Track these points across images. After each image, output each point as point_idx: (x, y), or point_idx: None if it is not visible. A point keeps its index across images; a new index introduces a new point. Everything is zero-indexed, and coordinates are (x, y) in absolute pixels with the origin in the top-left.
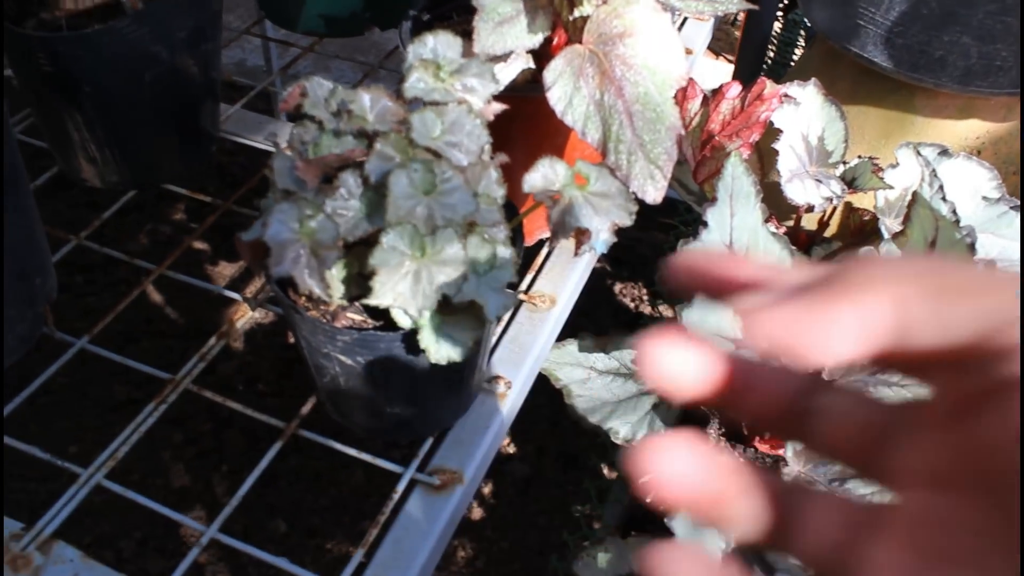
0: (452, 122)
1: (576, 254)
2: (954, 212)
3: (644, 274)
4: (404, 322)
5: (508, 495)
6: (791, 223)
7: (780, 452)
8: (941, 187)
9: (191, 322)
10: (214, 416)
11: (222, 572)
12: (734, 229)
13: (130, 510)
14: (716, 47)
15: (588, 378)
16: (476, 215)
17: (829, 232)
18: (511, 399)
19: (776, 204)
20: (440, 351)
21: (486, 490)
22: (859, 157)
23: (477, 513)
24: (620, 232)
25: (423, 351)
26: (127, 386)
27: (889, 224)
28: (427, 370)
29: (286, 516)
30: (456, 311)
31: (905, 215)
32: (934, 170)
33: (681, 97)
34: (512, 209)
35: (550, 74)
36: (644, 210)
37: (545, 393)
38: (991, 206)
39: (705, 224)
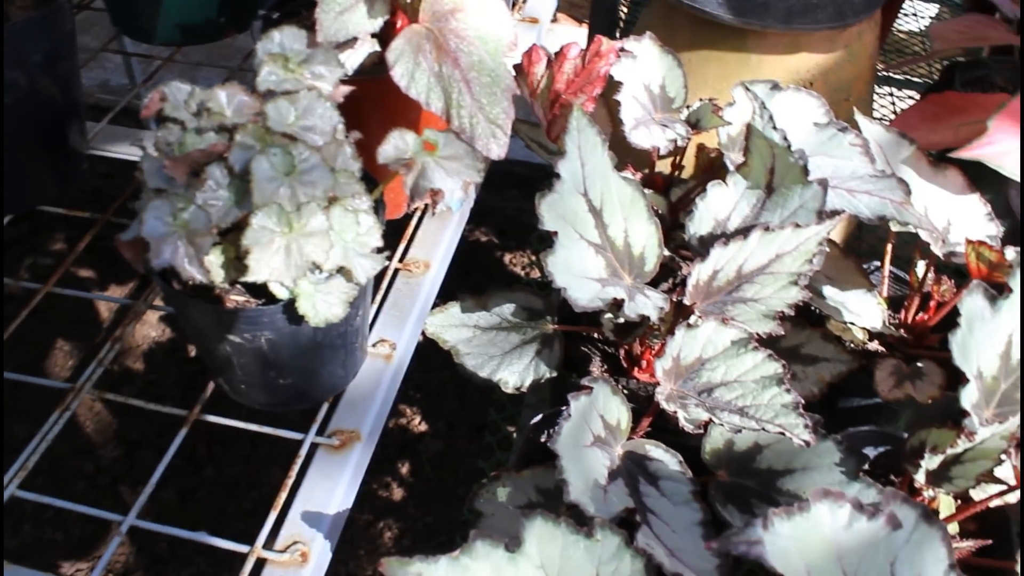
0: (305, 108)
1: (432, 213)
2: (785, 138)
3: (530, 242)
4: (282, 294)
5: (425, 472)
6: (649, 169)
7: (655, 379)
8: (771, 117)
9: (85, 334)
10: (123, 439)
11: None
12: (587, 178)
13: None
14: (579, 15)
15: (473, 336)
16: (336, 189)
17: (686, 173)
18: (397, 359)
19: (637, 154)
20: (318, 315)
21: (404, 470)
22: (700, 100)
23: (398, 493)
24: (505, 204)
25: (303, 318)
26: (33, 400)
27: (733, 157)
28: (312, 338)
29: (209, 526)
30: (329, 277)
31: (744, 147)
32: (763, 103)
33: (527, 63)
34: (376, 182)
35: (392, 54)
36: (527, 181)
37: (449, 369)
38: (822, 130)
39: (558, 176)
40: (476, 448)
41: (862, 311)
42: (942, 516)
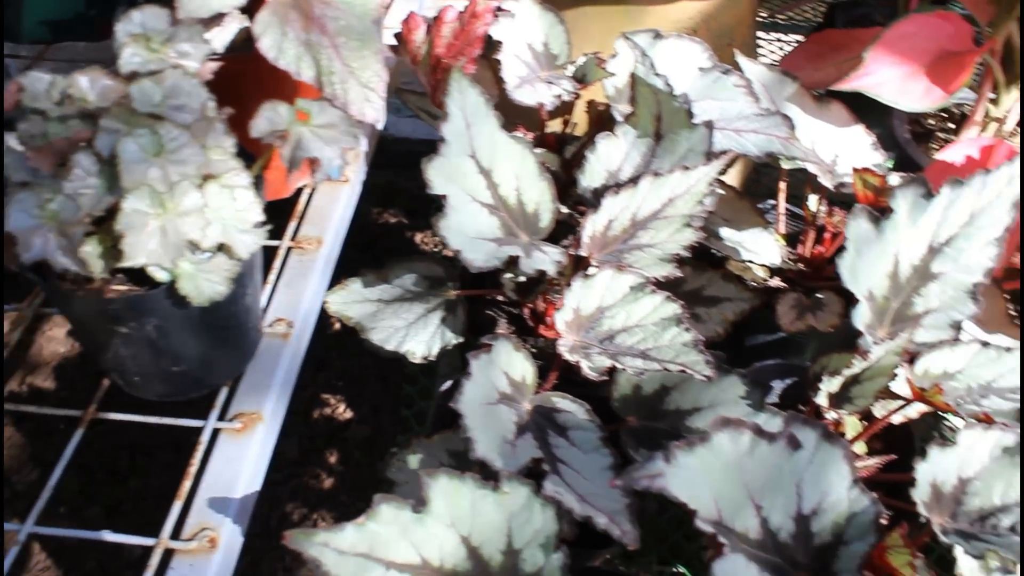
0: (171, 87)
1: (313, 182)
2: (668, 84)
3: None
4: (162, 277)
5: (354, 458)
6: (540, 128)
7: (559, 336)
8: (652, 65)
9: None
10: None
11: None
12: (473, 139)
13: None
14: None
15: (377, 310)
16: (210, 166)
17: (580, 130)
18: (295, 337)
19: (528, 114)
20: (201, 295)
21: (333, 459)
22: (585, 55)
23: (328, 482)
24: (412, 184)
25: (187, 300)
26: None
27: (621, 108)
28: (200, 320)
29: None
30: (211, 256)
31: (631, 97)
32: (643, 51)
33: (406, 30)
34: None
35: (258, 26)
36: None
37: (369, 355)
38: (706, 75)
39: (443, 139)
40: (401, 429)
41: (760, 249)
42: (849, 436)
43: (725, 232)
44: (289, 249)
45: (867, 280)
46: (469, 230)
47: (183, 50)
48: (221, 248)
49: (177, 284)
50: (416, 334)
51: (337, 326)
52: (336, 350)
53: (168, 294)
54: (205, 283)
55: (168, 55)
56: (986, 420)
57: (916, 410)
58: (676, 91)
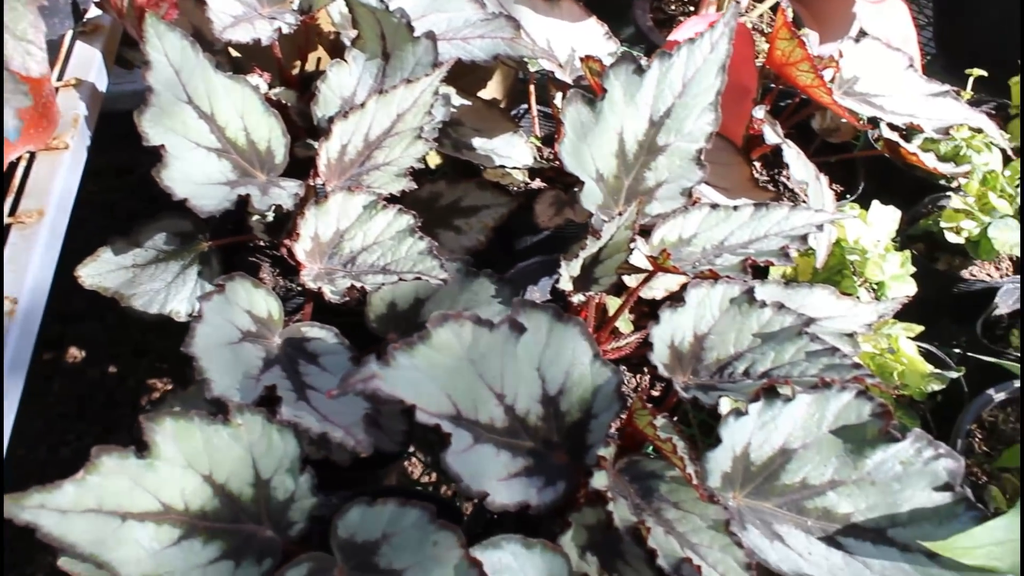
0: None
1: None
2: (381, 1)
3: None
4: None
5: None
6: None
7: (303, 267)
8: None
9: None
10: None
11: None
12: (186, 84)
13: None
14: None
15: (134, 276)
16: None
17: (312, 66)
18: (22, 313)
19: (263, 55)
20: None
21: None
22: None
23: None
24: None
25: None
26: None
27: (350, 34)
28: None
29: None
30: None
31: (352, 21)
32: None
33: None
34: None
35: None
36: None
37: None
38: None
39: (151, 88)
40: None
41: (512, 153)
42: (611, 314)
43: (477, 142)
44: (9, 225)
45: (593, 162)
46: (198, 177)
47: None
48: None
49: None
50: (177, 292)
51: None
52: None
53: None
54: None
55: None
56: (712, 276)
57: (663, 285)
58: (392, 6)
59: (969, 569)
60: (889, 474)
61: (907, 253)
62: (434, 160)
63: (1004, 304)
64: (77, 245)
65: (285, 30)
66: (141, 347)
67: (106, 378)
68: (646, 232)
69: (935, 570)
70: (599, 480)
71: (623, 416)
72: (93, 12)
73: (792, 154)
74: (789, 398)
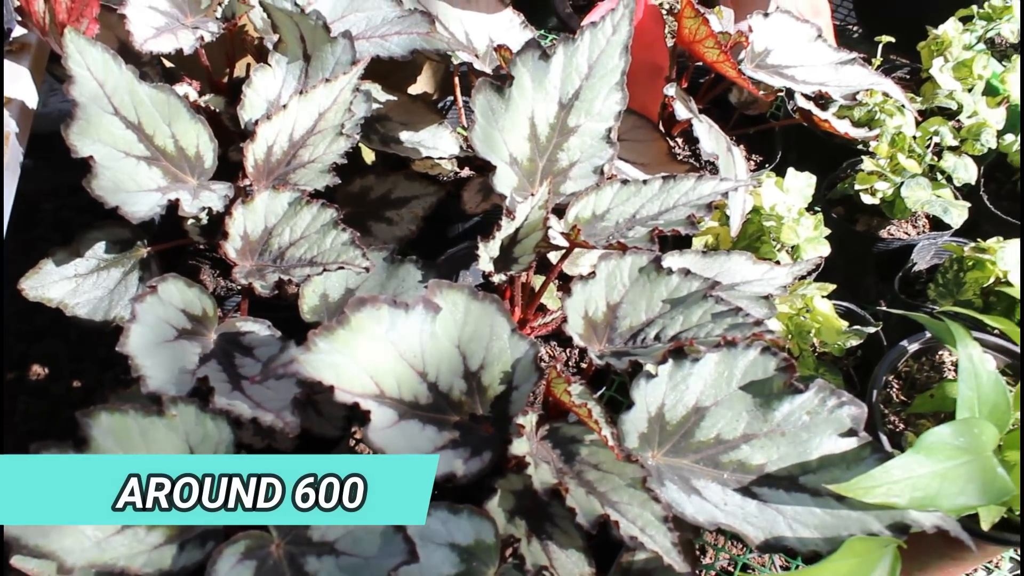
0: None
1: None
2: (296, 4)
3: None
4: None
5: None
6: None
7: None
8: None
9: None
10: None
11: None
12: (111, 96)
13: None
14: None
15: (77, 286)
16: None
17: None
18: None
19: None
20: None
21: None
22: None
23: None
24: None
25: None
26: None
27: (271, 38)
28: None
29: None
30: None
31: (272, 25)
32: None
33: (25, 2)
34: None
35: None
36: None
37: None
38: None
39: (75, 102)
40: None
41: (438, 144)
42: (537, 290)
43: (404, 135)
44: None
45: (505, 147)
46: (128, 185)
47: None
48: None
49: None
50: (120, 299)
51: None
52: None
53: None
54: None
55: None
56: (620, 248)
57: (588, 262)
58: (308, 10)
59: (872, 507)
60: (797, 424)
61: (819, 216)
62: (369, 156)
63: (921, 260)
64: (35, 263)
65: (208, 38)
66: (106, 360)
67: (72, 392)
68: (563, 211)
69: (843, 511)
70: (519, 447)
71: (544, 386)
72: (18, 31)
73: (703, 128)
74: (696, 358)
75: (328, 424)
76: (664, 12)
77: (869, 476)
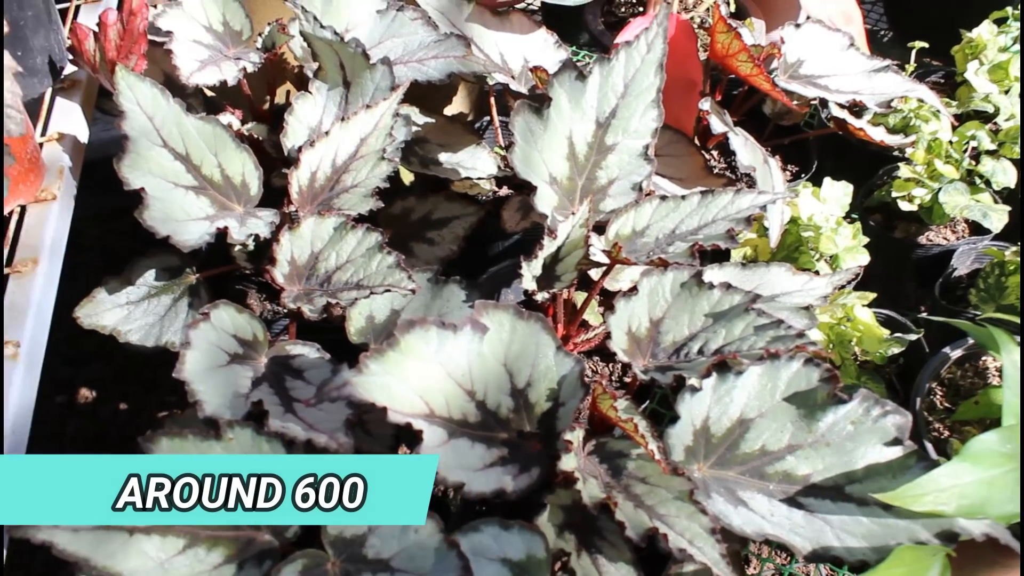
0: None
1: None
2: (336, 33)
3: None
4: None
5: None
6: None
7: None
8: (315, 18)
9: None
10: None
11: None
12: (160, 129)
13: None
14: None
15: (129, 313)
16: None
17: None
18: (25, 356)
19: (234, 94)
20: None
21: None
22: (268, 24)
23: None
24: None
25: None
26: None
27: (312, 67)
28: None
29: None
30: None
31: (312, 54)
32: (303, 7)
33: (76, 42)
34: None
35: None
36: None
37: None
38: (384, 16)
39: (126, 136)
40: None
41: (476, 164)
42: (579, 306)
43: (443, 156)
44: (7, 276)
45: (545, 167)
46: (178, 214)
47: None
48: None
49: None
50: (171, 324)
51: None
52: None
53: None
54: None
55: None
56: (661, 264)
57: (629, 277)
58: (347, 38)
59: (919, 515)
60: (842, 434)
61: (858, 225)
62: (408, 177)
63: (961, 265)
64: (80, 287)
65: (250, 69)
66: (151, 383)
67: (118, 415)
68: (603, 228)
69: (890, 520)
70: (567, 463)
71: (590, 402)
72: (69, 69)
73: (739, 141)
74: (740, 371)
75: (377, 443)
76: (696, 26)
77: (916, 484)
